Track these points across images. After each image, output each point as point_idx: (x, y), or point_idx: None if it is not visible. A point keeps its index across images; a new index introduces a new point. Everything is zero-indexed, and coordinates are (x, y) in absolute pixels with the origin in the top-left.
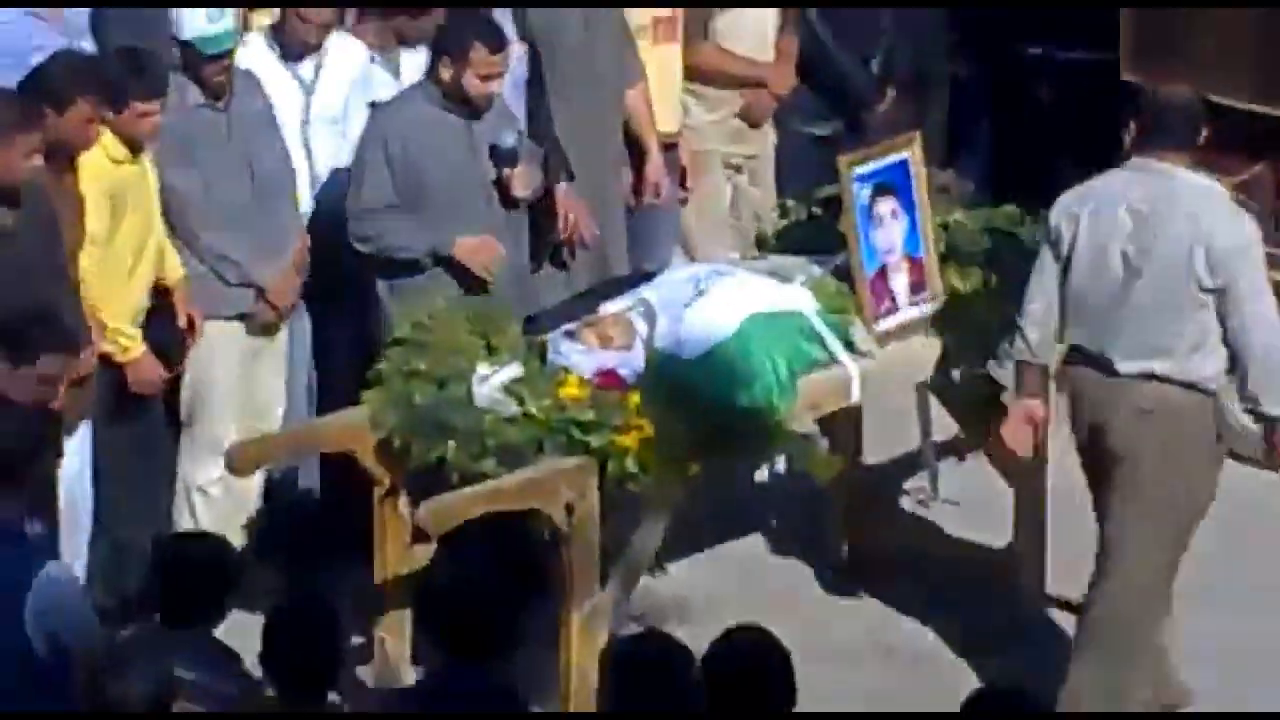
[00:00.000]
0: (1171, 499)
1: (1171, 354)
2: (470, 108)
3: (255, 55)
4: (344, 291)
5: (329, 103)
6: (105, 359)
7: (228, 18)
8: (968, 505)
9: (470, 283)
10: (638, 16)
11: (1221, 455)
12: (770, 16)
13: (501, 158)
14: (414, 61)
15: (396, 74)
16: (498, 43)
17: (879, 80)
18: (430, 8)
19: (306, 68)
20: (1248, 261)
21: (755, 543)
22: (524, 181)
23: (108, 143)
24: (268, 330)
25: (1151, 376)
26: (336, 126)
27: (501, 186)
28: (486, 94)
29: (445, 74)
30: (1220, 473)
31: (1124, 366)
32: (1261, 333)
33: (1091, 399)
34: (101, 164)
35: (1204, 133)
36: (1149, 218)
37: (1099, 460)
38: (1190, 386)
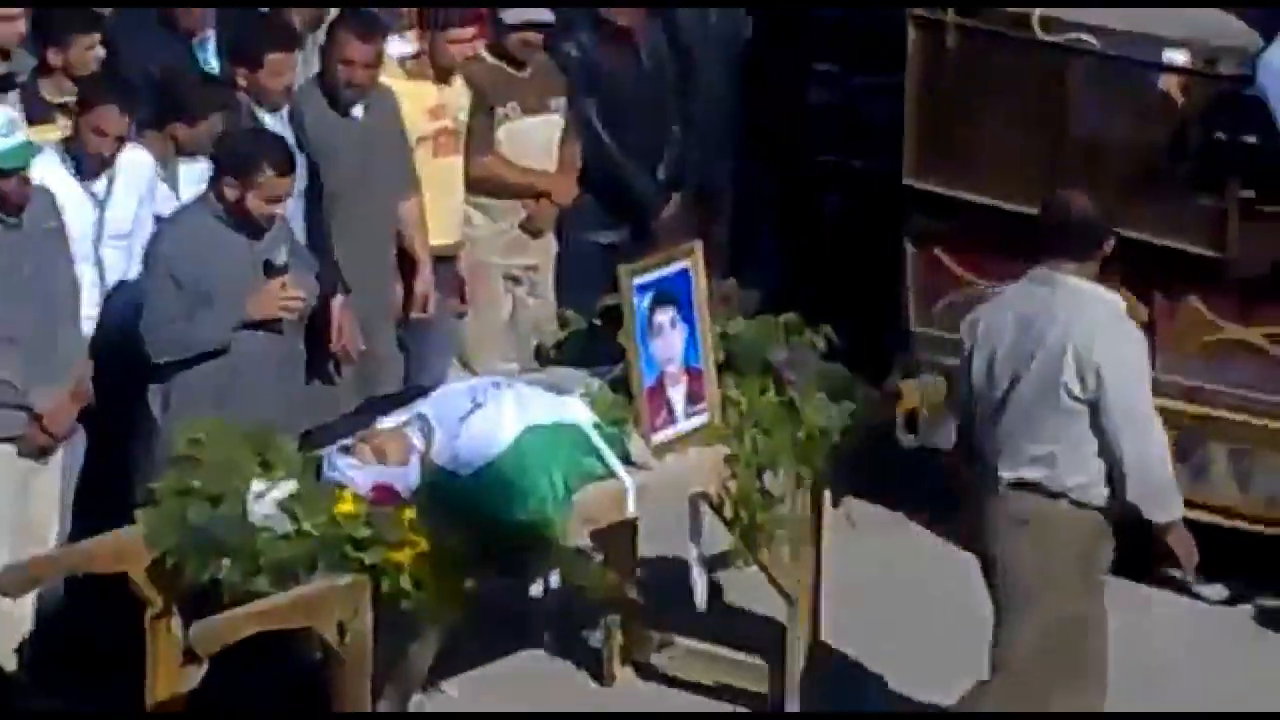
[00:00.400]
0: (1046, 609)
1: (1043, 462)
2: (253, 227)
3: (47, 170)
4: (124, 408)
5: (120, 218)
6: None
7: (20, 132)
8: (744, 616)
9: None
10: (419, 128)
11: (1104, 567)
12: (554, 127)
13: (273, 274)
14: (192, 172)
15: (174, 185)
16: (287, 165)
17: (664, 188)
18: (208, 116)
19: (99, 183)
20: (1121, 371)
21: (530, 659)
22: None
23: None
24: (42, 453)
25: (1024, 485)
26: (125, 241)
27: None
28: (270, 215)
29: (230, 193)
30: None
31: (1004, 473)
32: (1132, 443)
33: (981, 505)
34: None
35: (1106, 243)
36: (1032, 324)
37: (987, 566)
38: (1060, 495)
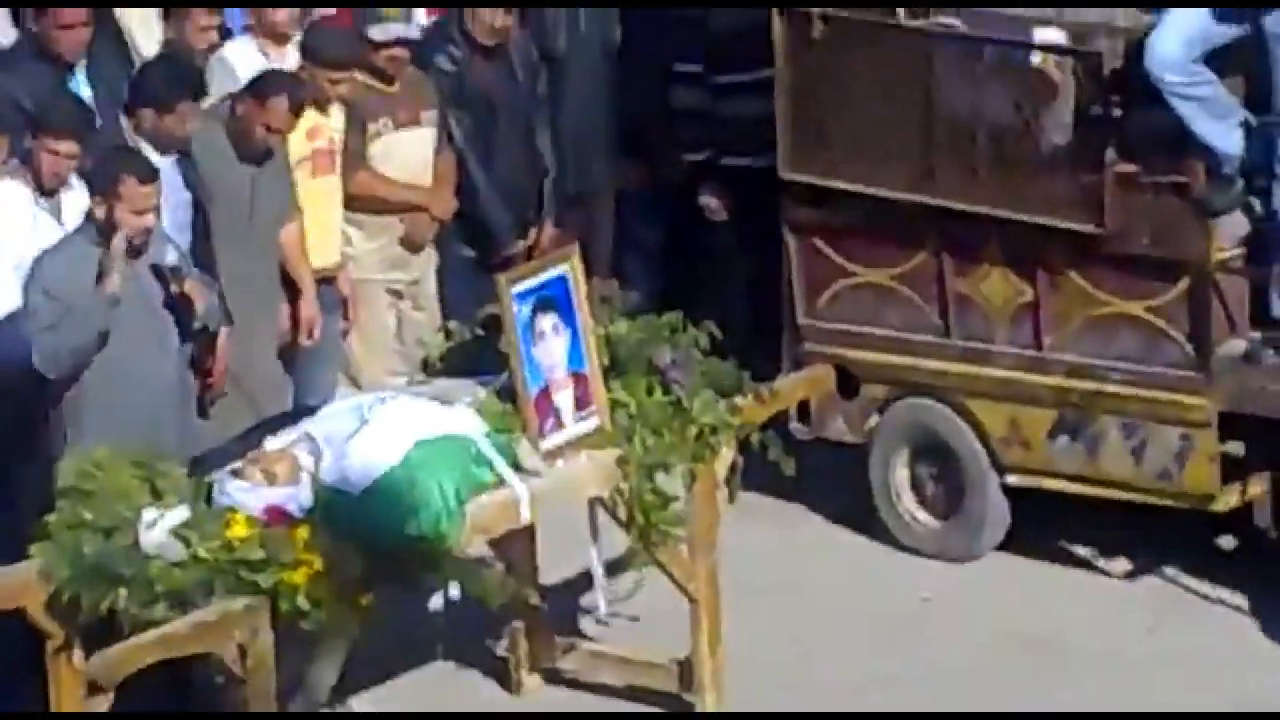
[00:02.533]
0: None
1: None
2: (129, 246)
3: None
4: (20, 438)
5: (2, 248)
6: None
7: None
8: (647, 619)
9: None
10: (297, 150)
11: None
12: (428, 141)
13: (169, 275)
14: (75, 201)
15: (57, 215)
16: (147, 174)
17: (519, 225)
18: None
19: None
20: None
21: (436, 671)
22: (200, 292)
23: None
24: None
25: None
26: (18, 270)
27: (178, 302)
28: (141, 227)
29: (99, 211)
30: None
31: None
32: None
33: None
34: None
35: None
36: None
37: None
38: None
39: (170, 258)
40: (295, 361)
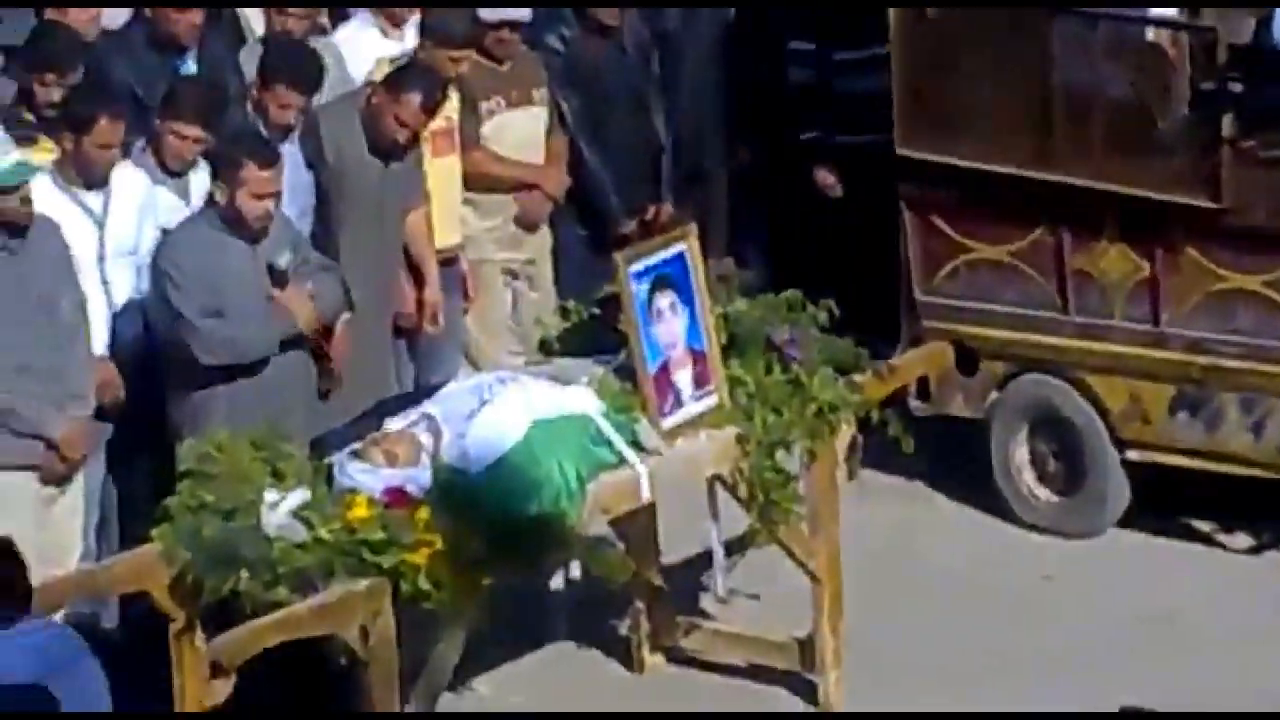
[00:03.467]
0: None
1: None
2: (249, 230)
3: (43, 194)
4: (143, 423)
5: (121, 234)
6: None
7: (13, 154)
8: (769, 597)
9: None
10: None
11: None
12: (540, 119)
13: (274, 279)
14: (203, 182)
15: (185, 195)
16: (268, 159)
17: (631, 208)
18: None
19: (95, 201)
20: None
21: (558, 651)
22: (298, 299)
23: None
24: (61, 480)
25: None
26: (131, 257)
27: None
28: (262, 211)
29: (220, 196)
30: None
31: None
32: None
33: None
34: None
35: None
36: None
37: None
38: None
39: (281, 260)
40: (418, 342)
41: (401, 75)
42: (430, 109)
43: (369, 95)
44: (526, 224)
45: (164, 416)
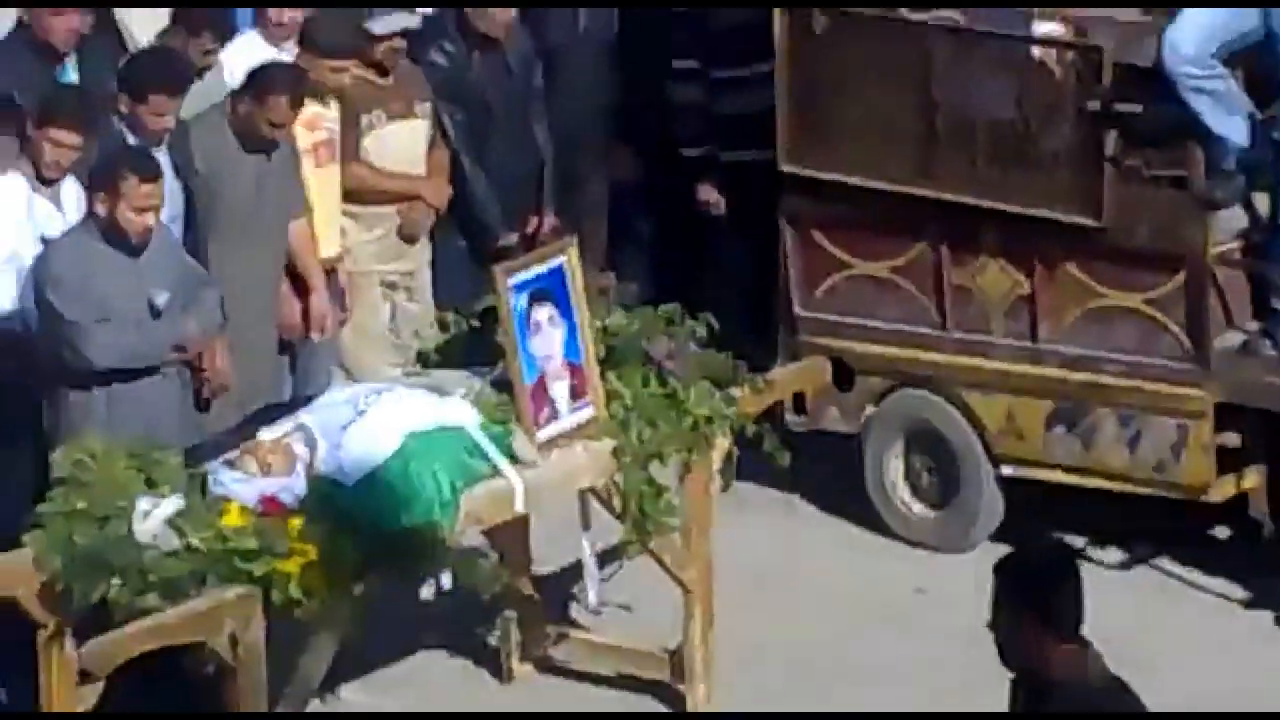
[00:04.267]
0: None
1: None
2: (129, 242)
3: None
4: (18, 429)
5: (2, 240)
6: None
7: None
8: (640, 608)
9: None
10: (299, 142)
11: None
12: (421, 133)
13: (155, 314)
14: (73, 191)
15: (58, 204)
16: (150, 173)
17: (512, 220)
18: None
19: None
20: None
21: (427, 660)
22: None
23: None
24: None
25: None
26: (11, 264)
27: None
28: (143, 226)
29: (101, 208)
30: None
31: None
32: None
33: None
34: None
35: None
36: None
37: None
38: None
39: (160, 300)
40: (292, 354)
41: (264, 79)
42: (297, 103)
43: (234, 104)
44: (408, 235)
45: (39, 423)
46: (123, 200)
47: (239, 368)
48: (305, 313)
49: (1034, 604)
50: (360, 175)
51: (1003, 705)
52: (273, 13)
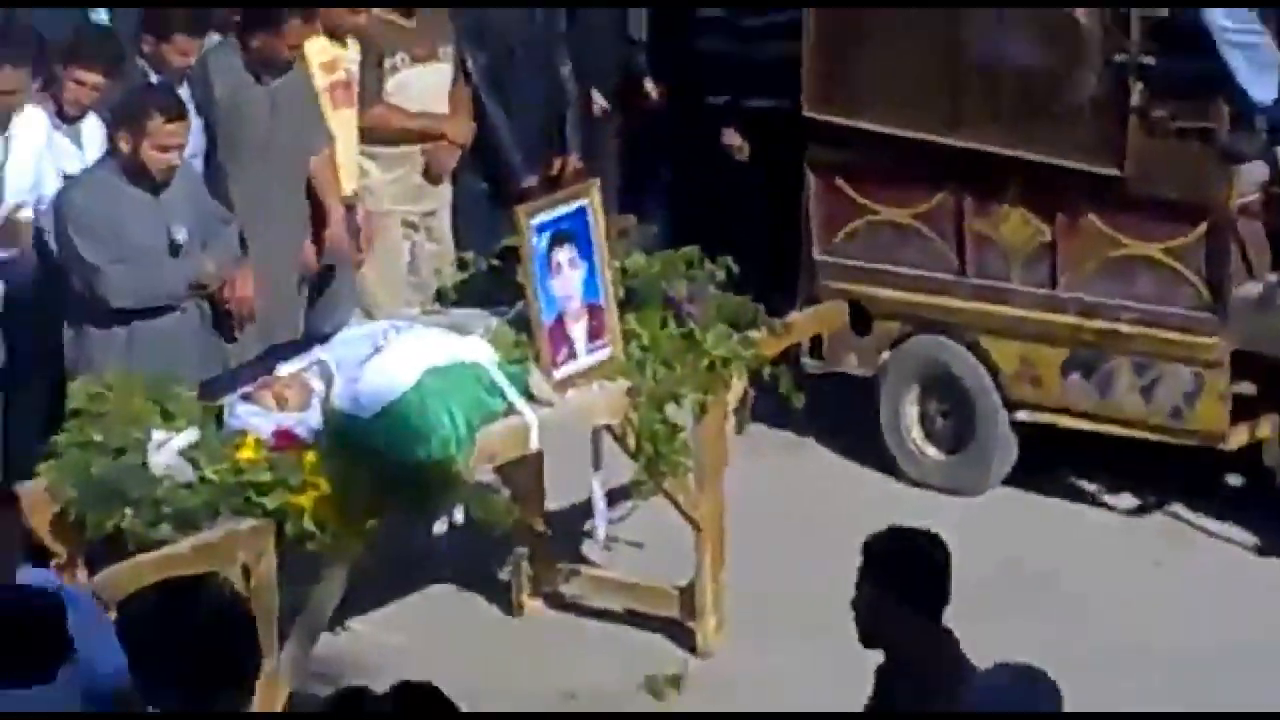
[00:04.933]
0: None
1: None
2: (152, 181)
3: None
4: (37, 359)
5: (19, 176)
6: None
7: None
8: (651, 546)
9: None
10: (316, 82)
11: None
12: (445, 75)
13: (171, 250)
14: (95, 129)
15: (78, 142)
16: (175, 112)
17: (536, 160)
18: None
19: None
20: None
21: (438, 593)
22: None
23: None
24: None
25: None
26: (33, 193)
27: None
28: (166, 165)
29: (124, 145)
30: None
31: None
32: None
33: None
34: None
35: None
36: None
37: None
38: None
39: (180, 235)
40: (312, 289)
41: (270, 11)
42: (309, 19)
43: (244, 40)
44: (434, 174)
45: (59, 353)
46: (147, 138)
47: (262, 302)
48: (319, 246)
49: (895, 585)
50: (382, 115)
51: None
52: None
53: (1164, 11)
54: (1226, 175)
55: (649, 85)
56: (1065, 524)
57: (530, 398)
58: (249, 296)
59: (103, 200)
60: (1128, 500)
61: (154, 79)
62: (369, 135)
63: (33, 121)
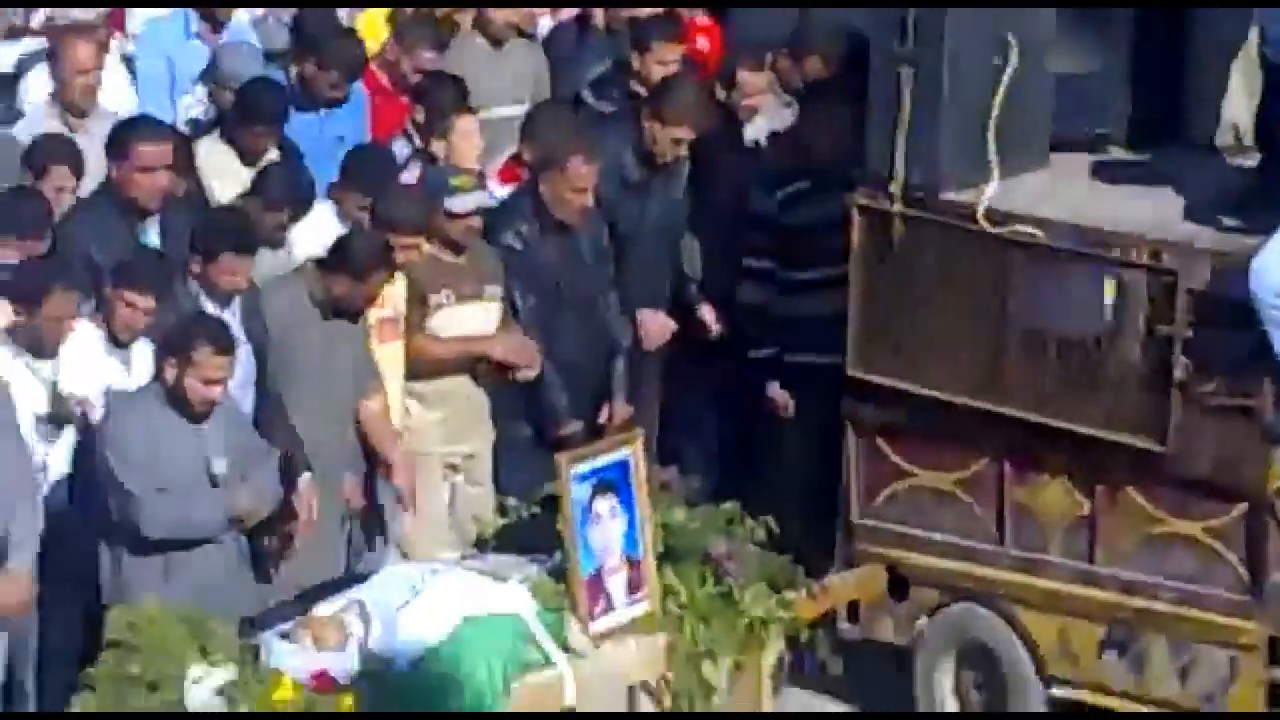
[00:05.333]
0: None
1: None
2: (193, 412)
3: None
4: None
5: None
6: None
7: None
8: None
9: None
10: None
11: None
12: (491, 314)
13: (212, 481)
14: (144, 353)
15: (127, 366)
16: (224, 345)
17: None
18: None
19: (47, 366)
20: None
21: None
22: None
23: None
24: None
25: None
26: (77, 409)
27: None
28: (207, 398)
29: (169, 373)
30: None
31: None
32: None
33: None
34: None
35: None
36: None
37: None
38: None
39: (219, 466)
40: (351, 529)
41: (359, 252)
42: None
43: (325, 279)
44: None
45: (94, 570)
46: (193, 369)
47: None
48: (367, 487)
49: None
50: (423, 345)
51: None
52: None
53: (1209, 281)
54: (1266, 457)
55: (706, 314)
56: None
57: (567, 650)
58: (312, 511)
59: (142, 426)
60: None
61: (206, 302)
62: (410, 369)
63: (85, 334)
